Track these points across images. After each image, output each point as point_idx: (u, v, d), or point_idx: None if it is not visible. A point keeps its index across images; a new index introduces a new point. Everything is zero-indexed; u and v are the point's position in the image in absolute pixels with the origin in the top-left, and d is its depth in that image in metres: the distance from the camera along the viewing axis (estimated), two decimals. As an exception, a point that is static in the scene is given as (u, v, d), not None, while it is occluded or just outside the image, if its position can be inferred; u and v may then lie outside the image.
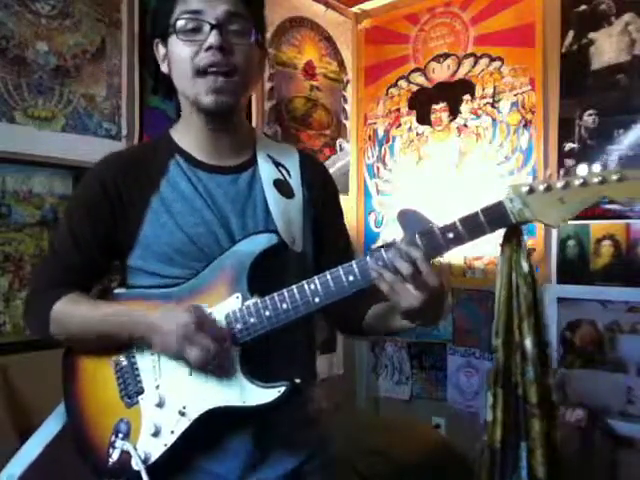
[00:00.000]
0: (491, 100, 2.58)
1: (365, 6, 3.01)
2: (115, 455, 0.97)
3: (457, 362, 2.66)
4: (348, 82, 3.06)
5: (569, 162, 2.34)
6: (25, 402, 1.91)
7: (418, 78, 2.84)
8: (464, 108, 2.67)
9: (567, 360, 2.27)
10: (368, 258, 0.92)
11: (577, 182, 0.87)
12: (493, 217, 0.91)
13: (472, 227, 0.91)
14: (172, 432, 0.95)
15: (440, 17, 2.78)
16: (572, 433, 2.03)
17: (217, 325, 0.94)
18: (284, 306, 0.94)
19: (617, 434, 2.11)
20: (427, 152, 2.81)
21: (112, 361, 1.03)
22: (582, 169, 0.88)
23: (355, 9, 3.03)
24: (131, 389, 1.00)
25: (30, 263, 1.92)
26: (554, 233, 2.34)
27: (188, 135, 1.06)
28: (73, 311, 1.02)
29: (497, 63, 2.56)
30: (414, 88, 2.86)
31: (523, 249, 0.98)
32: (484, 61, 2.61)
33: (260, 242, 0.97)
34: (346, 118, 3.05)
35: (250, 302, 0.95)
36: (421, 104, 2.83)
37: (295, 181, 1.10)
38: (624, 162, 2.19)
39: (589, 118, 2.29)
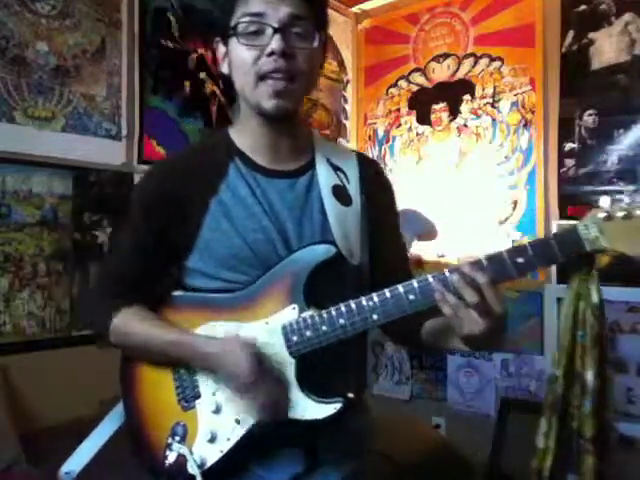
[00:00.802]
0: (491, 100, 2.58)
1: (365, 6, 3.01)
2: (172, 457, 0.98)
3: (457, 362, 2.66)
4: (348, 82, 3.06)
5: (569, 162, 2.34)
6: (25, 402, 1.91)
7: (418, 78, 2.84)
8: (464, 108, 2.67)
9: (567, 360, 2.28)
10: (431, 279, 0.88)
11: None
12: (566, 243, 0.85)
13: (543, 252, 0.85)
14: (228, 439, 0.96)
15: (440, 17, 2.78)
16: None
17: (271, 366, 0.94)
18: (341, 321, 0.92)
19: (617, 434, 2.12)
20: (427, 152, 2.81)
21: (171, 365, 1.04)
22: None
23: (355, 9, 3.03)
24: (188, 393, 1.01)
25: (30, 263, 1.92)
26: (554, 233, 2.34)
27: (247, 137, 1.04)
28: (134, 329, 1.02)
29: (497, 63, 2.57)
30: (414, 88, 2.86)
31: (594, 279, 0.93)
32: (484, 61, 2.61)
33: (318, 253, 0.96)
34: (346, 118, 3.05)
35: (307, 314, 0.94)
36: (421, 104, 2.83)
37: (353, 186, 1.06)
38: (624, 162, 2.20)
39: (589, 118, 2.29)
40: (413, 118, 2.86)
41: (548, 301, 2.36)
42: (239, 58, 0.95)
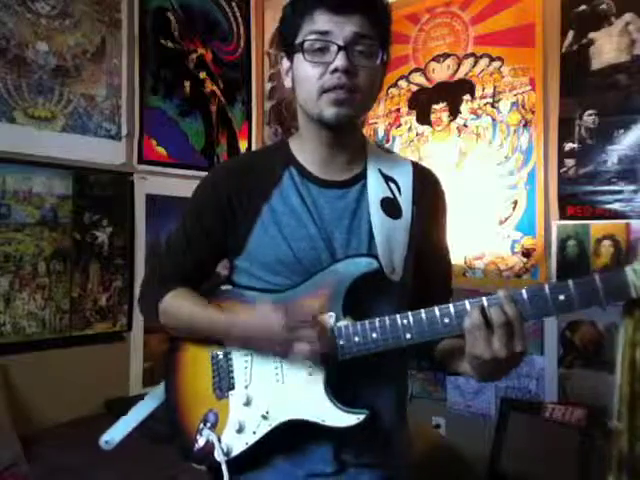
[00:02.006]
0: (491, 100, 2.58)
1: (365, 6, 3.01)
2: (201, 442, 1.03)
3: (457, 362, 2.66)
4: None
5: (569, 162, 2.34)
6: (25, 402, 1.91)
7: (418, 78, 2.84)
8: (464, 108, 2.67)
9: (567, 360, 2.28)
10: (468, 305, 0.87)
11: None
12: (611, 286, 0.81)
13: (586, 293, 0.82)
14: (254, 432, 1.00)
15: (440, 17, 2.78)
16: (572, 433, 2.03)
17: (306, 309, 0.96)
18: (374, 335, 0.94)
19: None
20: (427, 152, 2.81)
21: (211, 354, 1.08)
22: None
23: (355, 9, 3.03)
24: (224, 383, 1.05)
25: (30, 263, 1.92)
26: (554, 233, 2.34)
27: (304, 148, 1.07)
28: (181, 307, 1.08)
29: (497, 63, 2.57)
30: (414, 88, 2.86)
31: None
32: (484, 61, 2.61)
33: (360, 266, 0.97)
34: (346, 118, 3.05)
35: (342, 324, 0.96)
36: (421, 104, 2.83)
37: (405, 198, 1.07)
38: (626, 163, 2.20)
39: (589, 118, 2.29)
40: (413, 118, 2.86)
41: (548, 301, 2.36)
42: (304, 74, 0.98)
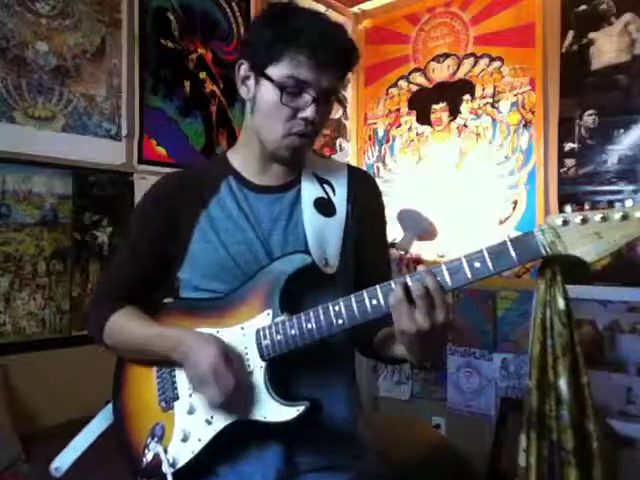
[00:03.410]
0: (491, 100, 2.58)
1: (365, 6, 3.01)
2: (149, 456, 1.02)
3: (457, 362, 2.66)
4: (348, 82, 3.06)
5: (569, 162, 2.34)
6: (25, 402, 1.91)
7: (418, 78, 2.84)
8: (464, 108, 2.67)
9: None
10: (393, 284, 0.90)
11: (617, 216, 0.80)
12: (522, 248, 0.85)
13: (499, 257, 0.86)
14: (199, 440, 0.99)
15: (440, 17, 2.78)
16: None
17: (240, 366, 0.98)
18: (309, 326, 0.95)
19: (617, 434, 2.12)
20: (427, 152, 2.81)
21: (155, 369, 1.09)
22: (627, 203, 0.81)
23: (355, 9, 3.03)
24: (168, 394, 1.06)
25: (30, 263, 1.92)
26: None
27: (244, 157, 1.12)
28: (123, 327, 1.09)
29: (497, 63, 2.57)
30: (414, 88, 2.86)
31: (559, 284, 0.91)
32: (484, 61, 2.61)
33: (293, 262, 1.01)
34: (346, 118, 3.05)
35: (279, 319, 0.98)
36: (421, 104, 2.83)
37: (340, 198, 1.12)
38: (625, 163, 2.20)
39: (589, 118, 2.29)
40: (413, 118, 2.86)
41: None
42: (271, 110, 1.01)
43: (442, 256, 2.69)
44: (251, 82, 1.05)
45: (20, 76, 1.90)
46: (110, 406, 1.16)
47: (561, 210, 0.85)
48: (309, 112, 0.99)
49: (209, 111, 2.46)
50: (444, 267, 0.88)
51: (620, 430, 2.12)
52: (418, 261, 2.77)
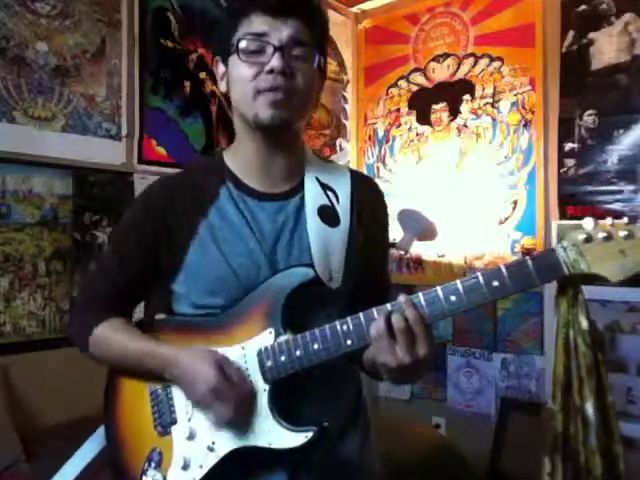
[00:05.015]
0: (491, 100, 2.58)
1: (365, 6, 3.01)
2: None
3: (457, 362, 2.66)
4: (348, 82, 3.06)
5: (569, 162, 2.34)
6: (25, 402, 1.91)
7: (418, 78, 2.84)
8: (464, 108, 2.67)
9: (567, 360, 2.28)
10: (389, 306, 0.86)
11: None
12: (543, 267, 0.81)
13: (519, 276, 0.81)
14: (201, 467, 0.95)
15: (440, 17, 2.78)
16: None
17: (241, 380, 0.93)
18: (315, 346, 0.90)
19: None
20: (427, 152, 2.81)
21: (149, 389, 1.03)
22: None
23: (355, 9, 3.03)
24: (165, 419, 1.00)
25: (30, 263, 1.92)
26: (554, 233, 2.35)
27: (241, 159, 1.04)
28: (111, 339, 1.03)
29: (497, 63, 2.57)
30: (414, 88, 2.86)
31: (581, 303, 0.86)
32: (484, 61, 2.61)
33: (296, 276, 0.94)
34: (346, 118, 3.05)
35: (282, 339, 0.93)
36: (421, 104, 2.83)
37: (343, 206, 1.04)
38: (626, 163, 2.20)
39: (589, 118, 2.29)
40: (413, 118, 2.86)
41: (548, 301, 2.36)
42: (239, 75, 0.96)
43: (442, 256, 2.69)
44: (225, 72, 1.01)
45: (20, 76, 1.90)
46: (101, 430, 1.11)
47: (578, 225, 0.82)
48: (274, 62, 0.92)
49: (209, 111, 2.46)
50: (459, 284, 0.83)
51: (620, 430, 2.12)
52: (418, 261, 2.77)
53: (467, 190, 2.63)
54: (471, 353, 2.62)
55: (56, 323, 2.00)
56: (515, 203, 2.49)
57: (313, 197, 1.03)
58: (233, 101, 1.00)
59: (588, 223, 0.80)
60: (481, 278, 0.83)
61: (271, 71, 0.92)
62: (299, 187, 1.04)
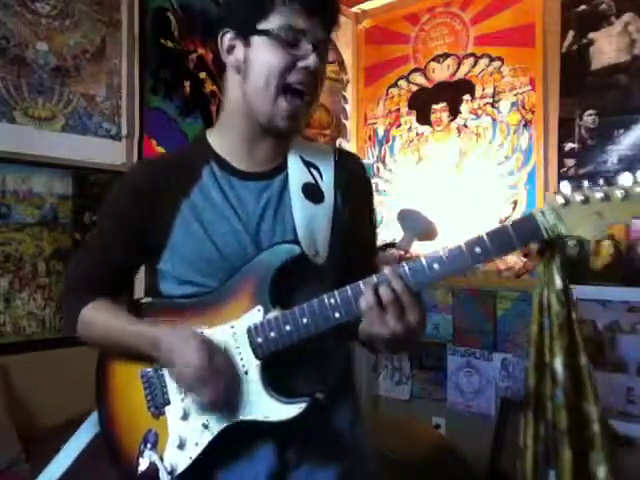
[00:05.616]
0: (491, 100, 2.58)
1: (365, 6, 3.01)
2: (144, 464, 0.98)
3: (457, 362, 2.66)
4: (348, 82, 3.06)
5: (569, 162, 2.34)
6: (25, 402, 1.91)
7: (418, 78, 2.84)
8: (464, 108, 2.67)
9: (567, 360, 2.28)
10: (375, 278, 0.87)
11: (619, 194, 0.77)
12: (523, 231, 0.83)
13: (500, 241, 0.84)
14: (196, 444, 0.96)
15: (440, 17, 2.78)
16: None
17: (225, 363, 0.94)
18: (304, 320, 0.91)
19: (617, 434, 2.11)
20: (427, 152, 2.81)
21: (141, 371, 1.03)
22: (626, 178, 0.77)
23: (355, 9, 3.03)
24: (158, 400, 1.01)
25: (30, 263, 1.92)
26: (554, 233, 2.35)
27: (227, 140, 1.04)
28: (96, 319, 1.04)
29: (497, 63, 2.57)
30: (414, 88, 2.86)
31: (557, 264, 0.89)
32: (484, 61, 2.61)
33: (282, 253, 0.95)
34: (346, 118, 3.05)
35: (271, 315, 0.94)
36: (421, 104, 2.83)
37: (327, 183, 1.05)
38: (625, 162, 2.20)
39: (589, 118, 2.29)
40: (413, 118, 2.86)
41: (548, 301, 2.36)
42: (266, 61, 0.94)
43: (442, 256, 2.69)
44: (239, 49, 0.97)
45: (20, 76, 1.90)
46: (95, 415, 1.11)
47: (559, 188, 0.83)
48: (311, 60, 0.93)
49: (209, 111, 2.46)
50: (445, 252, 0.86)
51: (620, 430, 2.12)
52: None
53: (467, 190, 2.63)
54: (471, 353, 2.61)
55: (56, 323, 2.00)
56: (515, 203, 2.49)
57: (297, 175, 1.04)
58: (248, 90, 0.97)
59: (565, 187, 0.81)
60: (464, 246, 0.85)
61: (306, 68, 0.93)
62: (283, 165, 1.04)
